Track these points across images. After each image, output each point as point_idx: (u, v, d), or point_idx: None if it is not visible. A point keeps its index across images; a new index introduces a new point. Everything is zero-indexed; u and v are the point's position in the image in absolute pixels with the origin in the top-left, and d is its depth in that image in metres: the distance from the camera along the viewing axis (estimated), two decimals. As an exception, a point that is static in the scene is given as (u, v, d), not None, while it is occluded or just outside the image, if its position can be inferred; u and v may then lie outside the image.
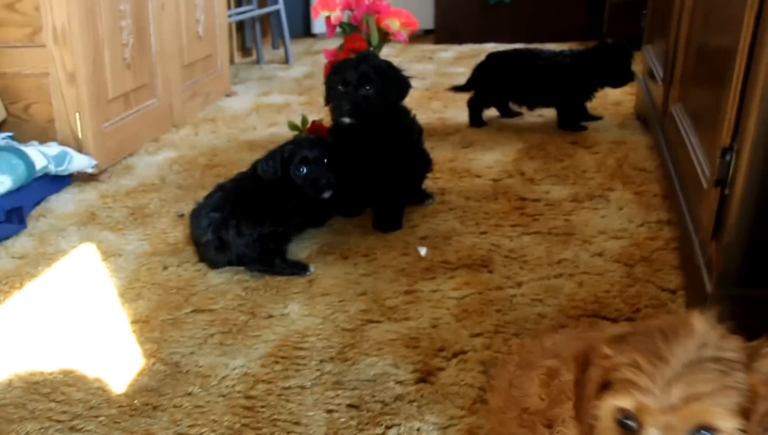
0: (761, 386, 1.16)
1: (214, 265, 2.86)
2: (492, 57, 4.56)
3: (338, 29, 4.06)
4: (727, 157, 2.13)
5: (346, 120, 3.04)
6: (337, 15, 3.97)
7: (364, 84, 3.01)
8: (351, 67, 3.05)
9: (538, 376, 1.43)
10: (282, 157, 2.91)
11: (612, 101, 4.86)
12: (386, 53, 6.39)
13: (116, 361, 2.27)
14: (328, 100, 3.14)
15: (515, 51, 4.53)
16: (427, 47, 7.31)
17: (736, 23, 2.12)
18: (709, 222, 2.25)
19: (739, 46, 2.11)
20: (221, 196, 2.90)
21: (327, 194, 2.89)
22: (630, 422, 1.18)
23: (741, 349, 1.19)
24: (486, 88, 4.56)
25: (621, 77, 4.35)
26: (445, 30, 7.33)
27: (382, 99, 3.03)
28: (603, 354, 1.24)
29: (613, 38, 4.83)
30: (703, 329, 1.21)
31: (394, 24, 3.95)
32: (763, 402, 1.15)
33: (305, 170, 2.88)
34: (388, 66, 3.12)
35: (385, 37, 4.02)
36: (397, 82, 3.11)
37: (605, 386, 1.23)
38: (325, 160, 2.92)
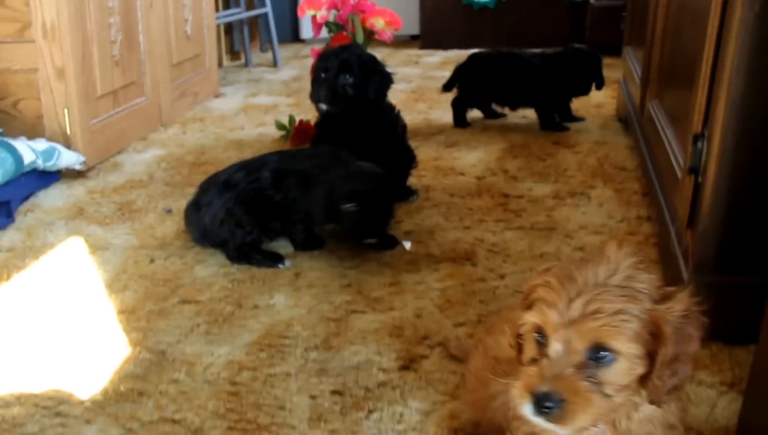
0: (665, 325, 1.20)
1: (188, 226, 2.99)
2: (472, 57, 4.59)
3: (324, 28, 4.08)
4: (699, 144, 2.15)
5: (324, 106, 3.07)
6: (322, 14, 3.99)
7: (344, 72, 3.04)
8: (333, 55, 3.09)
9: (508, 327, 1.44)
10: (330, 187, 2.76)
11: (594, 103, 4.89)
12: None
13: (102, 349, 2.27)
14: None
15: (496, 52, 4.55)
16: (414, 52, 7.33)
17: (705, 13, 2.16)
18: (684, 211, 2.27)
19: (707, 31, 2.14)
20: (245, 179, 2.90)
21: (370, 240, 2.85)
22: (540, 337, 1.24)
23: (653, 286, 1.24)
24: (466, 87, 4.58)
25: (586, 84, 4.39)
26: (431, 35, 7.35)
27: (362, 90, 3.05)
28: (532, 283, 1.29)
29: (589, 43, 4.88)
30: (616, 259, 1.26)
31: (378, 23, 3.97)
32: (667, 344, 1.20)
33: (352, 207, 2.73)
34: (371, 59, 3.15)
35: (370, 35, 4.04)
36: (378, 76, 3.13)
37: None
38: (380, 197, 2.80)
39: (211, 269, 2.77)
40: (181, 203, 3.33)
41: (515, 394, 1.23)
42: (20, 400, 2.03)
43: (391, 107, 3.29)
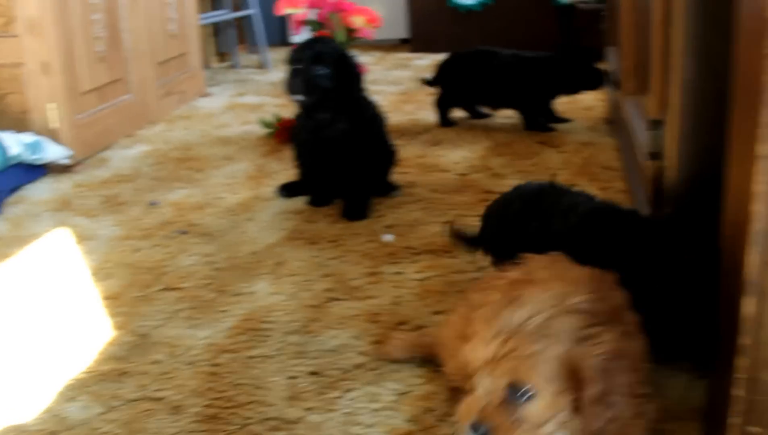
0: (584, 366, 1.33)
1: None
2: (453, 56, 4.67)
3: (305, 27, 4.16)
4: (658, 130, 2.23)
5: (300, 97, 3.13)
6: (301, 12, 4.06)
7: (318, 63, 3.10)
8: (307, 46, 3.16)
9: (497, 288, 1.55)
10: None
11: (583, 106, 4.95)
12: (365, 61, 6.50)
13: (87, 332, 2.35)
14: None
15: (475, 50, 4.61)
16: (404, 55, 7.41)
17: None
18: (649, 196, 2.35)
19: (654, 18, 2.23)
20: None
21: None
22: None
23: (577, 328, 1.36)
24: (447, 86, 4.65)
25: (566, 84, 4.46)
26: (420, 39, 7.43)
27: (336, 82, 3.13)
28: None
29: (581, 46, 4.95)
30: (539, 301, 1.39)
31: (358, 21, 4.07)
32: (588, 385, 1.32)
33: None
34: (344, 53, 3.22)
35: (350, 34, 4.12)
36: (350, 70, 3.20)
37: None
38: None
39: (194, 258, 2.84)
40: (166, 197, 3.43)
41: (459, 415, 1.41)
42: (7, 379, 2.11)
43: (370, 102, 3.36)
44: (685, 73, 2.01)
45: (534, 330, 1.35)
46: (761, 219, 1.25)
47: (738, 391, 1.36)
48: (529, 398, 1.35)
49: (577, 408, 1.35)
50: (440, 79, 4.68)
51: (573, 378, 1.34)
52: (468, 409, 1.39)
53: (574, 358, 1.34)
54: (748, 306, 1.30)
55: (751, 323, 1.31)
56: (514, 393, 1.35)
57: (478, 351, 1.39)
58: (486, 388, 1.38)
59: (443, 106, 4.67)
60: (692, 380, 1.98)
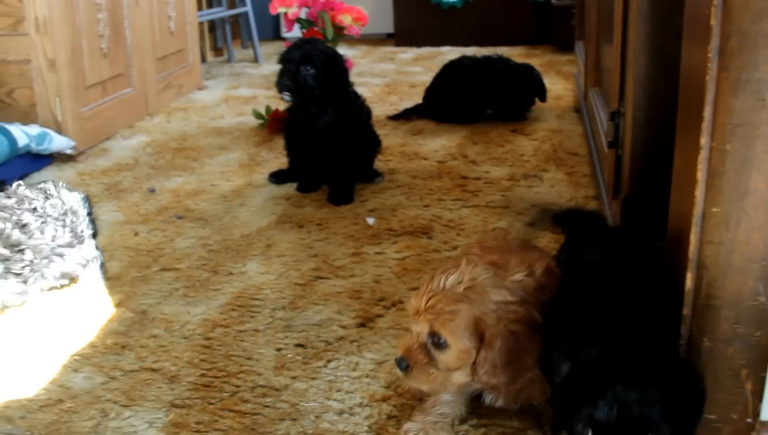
0: (487, 331, 1.54)
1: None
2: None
3: (297, 24, 4.20)
4: (616, 120, 2.30)
5: (286, 96, 3.20)
6: (293, 11, 4.11)
7: (306, 63, 3.17)
8: (296, 47, 3.23)
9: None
10: None
11: (553, 96, 5.00)
12: (352, 54, 6.55)
13: (89, 309, 2.41)
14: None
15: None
16: (389, 49, 7.44)
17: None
18: (609, 182, 2.42)
19: (614, 18, 2.30)
20: None
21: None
22: None
23: (498, 299, 1.57)
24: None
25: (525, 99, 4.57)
26: (404, 34, 7.46)
27: (323, 82, 3.19)
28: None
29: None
30: (469, 271, 1.60)
31: (346, 19, 4.11)
32: (487, 348, 1.54)
33: None
34: (332, 54, 3.29)
35: (339, 31, 4.17)
36: (338, 71, 3.26)
37: None
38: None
39: (190, 241, 2.90)
40: (164, 184, 3.49)
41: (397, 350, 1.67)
42: (16, 351, 2.17)
43: (356, 95, 3.41)
44: (639, 69, 2.08)
45: (454, 293, 1.57)
46: (700, 202, 1.32)
47: (682, 356, 1.43)
48: (442, 347, 1.58)
49: (478, 364, 1.57)
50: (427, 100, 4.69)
51: (478, 338, 1.56)
52: (399, 345, 1.67)
53: (481, 322, 1.55)
54: (688, 280, 1.37)
55: (690, 295, 1.38)
56: (432, 340, 1.60)
57: (412, 302, 1.64)
58: (414, 332, 1.63)
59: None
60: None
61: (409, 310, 1.65)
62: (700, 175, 1.30)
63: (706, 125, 1.27)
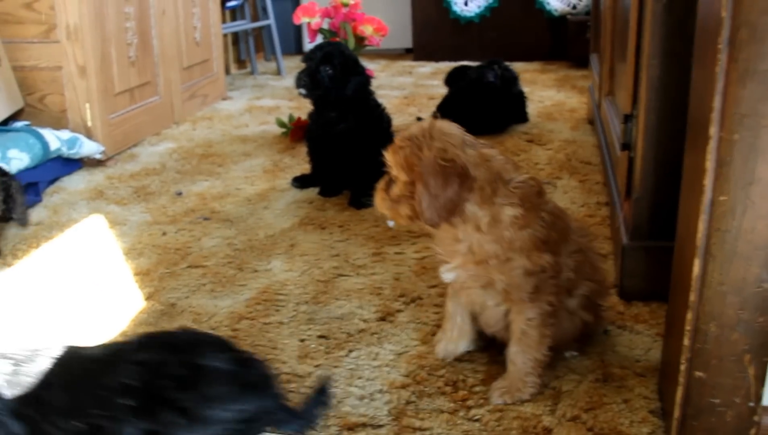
0: (417, 169, 1.73)
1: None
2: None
3: (319, 35, 4.26)
4: (629, 124, 2.35)
5: (302, 91, 3.28)
6: (316, 21, 4.18)
7: (325, 63, 3.24)
8: (318, 48, 3.32)
9: None
10: None
11: (568, 108, 5.05)
12: (372, 68, 6.57)
13: (121, 302, 2.48)
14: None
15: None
16: (408, 63, 7.48)
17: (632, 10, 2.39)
18: (622, 184, 2.47)
19: (630, 24, 2.36)
20: None
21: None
22: None
23: (435, 145, 1.74)
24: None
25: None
26: (422, 49, 7.49)
27: (340, 83, 3.27)
28: None
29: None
30: (434, 120, 1.81)
31: (367, 30, 4.17)
32: (418, 181, 1.73)
33: None
34: (353, 59, 3.36)
35: (360, 41, 4.22)
36: (358, 77, 3.32)
37: None
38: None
39: (216, 241, 2.96)
40: (190, 188, 3.55)
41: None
42: (52, 340, 2.23)
43: (377, 104, 3.48)
44: (652, 72, 2.13)
45: (406, 137, 1.78)
46: (708, 191, 1.37)
47: (686, 342, 1.48)
48: (393, 181, 1.82)
49: (416, 198, 1.75)
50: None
51: (413, 172, 1.75)
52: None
53: (414, 157, 1.74)
54: (696, 267, 1.42)
55: (697, 282, 1.43)
56: (389, 172, 1.83)
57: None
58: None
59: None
60: (654, 341, 2.10)
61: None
62: (709, 164, 1.35)
63: (715, 115, 1.33)
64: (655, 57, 2.12)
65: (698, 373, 1.48)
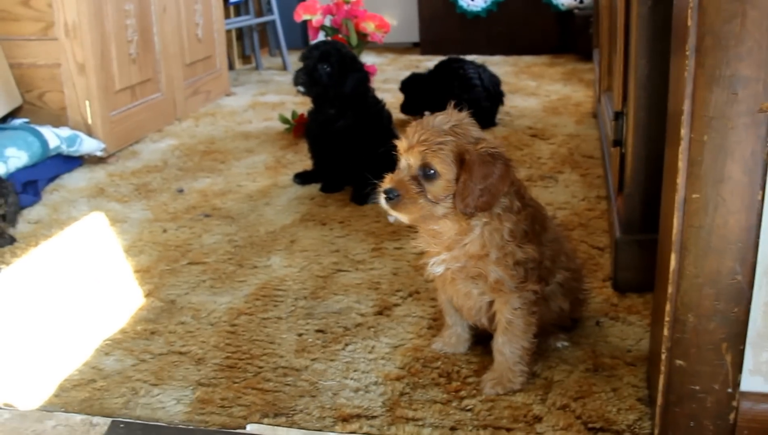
0: (467, 156, 1.75)
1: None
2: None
3: (322, 32, 4.34)
4: (620, 120, 2.44)
5: (300, 88, 3.40)
6: (318, 18, 4.26)
7: (323, 62, 3.34)
8: (315, 47, 3.42)
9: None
10: None
11: (574, 102, 5.12)
12: (379, 62, 6.68)
13: (120, 299, 2.57)
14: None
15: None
16: (415, 57, 7.54)
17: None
18: (615, 179, 2.55)
19: (618, 24, 2.44)
20: None
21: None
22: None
23: (474, 134, 1.81)
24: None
25: None
26: (429, 43, 7.55)
27: (337, 81, 3.38)
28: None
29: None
30: (452, 113, 1.83)
31: (369, 26, 4.25)
32: (466, 171, 1.76)
33: None
34: (351, 56, 3.45)
35: (362, 38, 4.30)
36: (356, 74, 3.41)
37: None
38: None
39: (217, 238, 3.05)
40: (192, 185, 3.64)
41: (379, 192, 1.85)
42: (52, 337, 2.32)
43: (377, 100, 3.57)
44: (640, 71, 2.22)
45: (442, 128, 1.78)
46: (682, 189, 1.46)
47: (666, 332, 1.56)
48: (432, 177, 1.79)
49: (458, 190, 1.78)
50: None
51: (459, 166, 1.77)
52: (387, 180, 1.84)
53: (464, 151, 1.76)
54: (672, 260, 1.51)
55: (674, 275, 1.51)
56: (424, 172, 1.79)
57: (403, 141, 1.83)
58: (404, 167, 1.82)
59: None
60: (646, 331, 2.19)
61: (399, 148, 1.84)
62: (681, 163, 1.44)
63: (685, 118, 1.42)
64: (643, 57, 2.21)
65: (679, 362, 1.56)
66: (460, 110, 1.85)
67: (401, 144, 1.83)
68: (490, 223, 1.85)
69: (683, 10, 1.42)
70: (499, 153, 1.79)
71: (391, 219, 3.14)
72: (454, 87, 4.49)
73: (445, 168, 1.76)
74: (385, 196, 1.82)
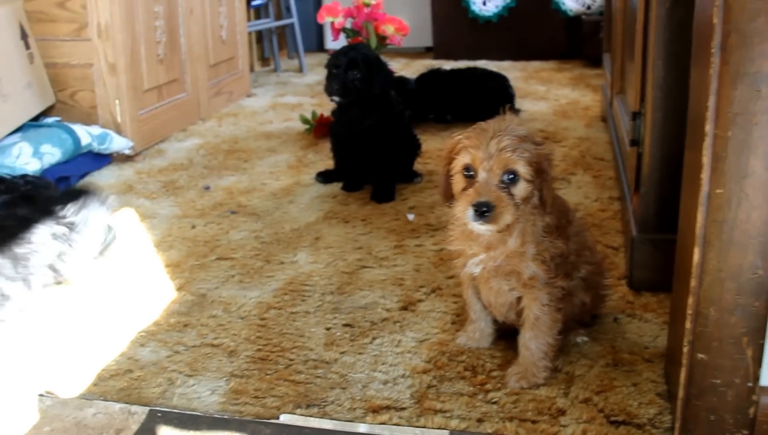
0: (544, 160, 1.79)
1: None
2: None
3: (342, 34, 4.35)
4: (637, 121, 2.45)
5: (336, 98, 3.38)
6: (339, 20, 4.27)
7: (352, 68, 3.34)
8: (342, 53, 3.40)
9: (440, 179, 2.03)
10: None
11: (582, 106, 5.12)
12: (394, 67, 6.67)
13: (153, 293, 2.58)
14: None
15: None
16: (428, 61, 7.52)
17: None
18: (631, 178, 2.56)
19: (636, 26, 2.45)
20: None
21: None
22: (470, 172, 1.81)
23: (531, 134, 1.84)
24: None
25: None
26: (442, 47, 7.54)
27: (368, 84, 3.37)
28: (453, 139, 1.89)
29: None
30: (510, 118, 1.84)
31: (389, 29, 4.25)
32: (548, 171, 1.81)
33: None
34: (375, 57, 3.44)
35: (382, 40, 4.31)
36: (382, 73, 3.41)
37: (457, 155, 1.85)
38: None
39: (243, 234, 3.06)
40: (217, 183, 3.65)
41: (459, 209, 1.80)
42: (89, 328, 2.33)
43: (398, 100, 3.58)
44: (657, 72, 2.23)
45: (518, 135, 1.79)
46: (706, 185, 1.47)
47: (688, 325, 1.57)
48: (515, 181, 1.78)
49: (539, 188, 1.82)
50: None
51: (537, 167, 1.79)
52: (470, 196, 1.77)
53: (539, 153, 1.80)
54: (696, 255, 1.52)
55: (697, 269, 1.52)
56: (508, 178, 1.78)
57: (477, 154, 1.77)
58: (484, 177, 1.77)
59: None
60: (662, 329, 2.19)
61: (473, 162, 1.78)
62: (705, 159, 1.45)
63: (710, 114, 1.43)
64: (660, 58, 2.22)
65: (700, 355, 1.57)
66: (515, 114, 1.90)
67: (476, 156, 1.77)
68: (527, 219, 1.87)
69: (708, 9, 1.43)
70: (551, 154, 1.85)
71: (410, 217, 3.16)
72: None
73: (527, 172, 1.77)
74: (481, 210, 1.75)
